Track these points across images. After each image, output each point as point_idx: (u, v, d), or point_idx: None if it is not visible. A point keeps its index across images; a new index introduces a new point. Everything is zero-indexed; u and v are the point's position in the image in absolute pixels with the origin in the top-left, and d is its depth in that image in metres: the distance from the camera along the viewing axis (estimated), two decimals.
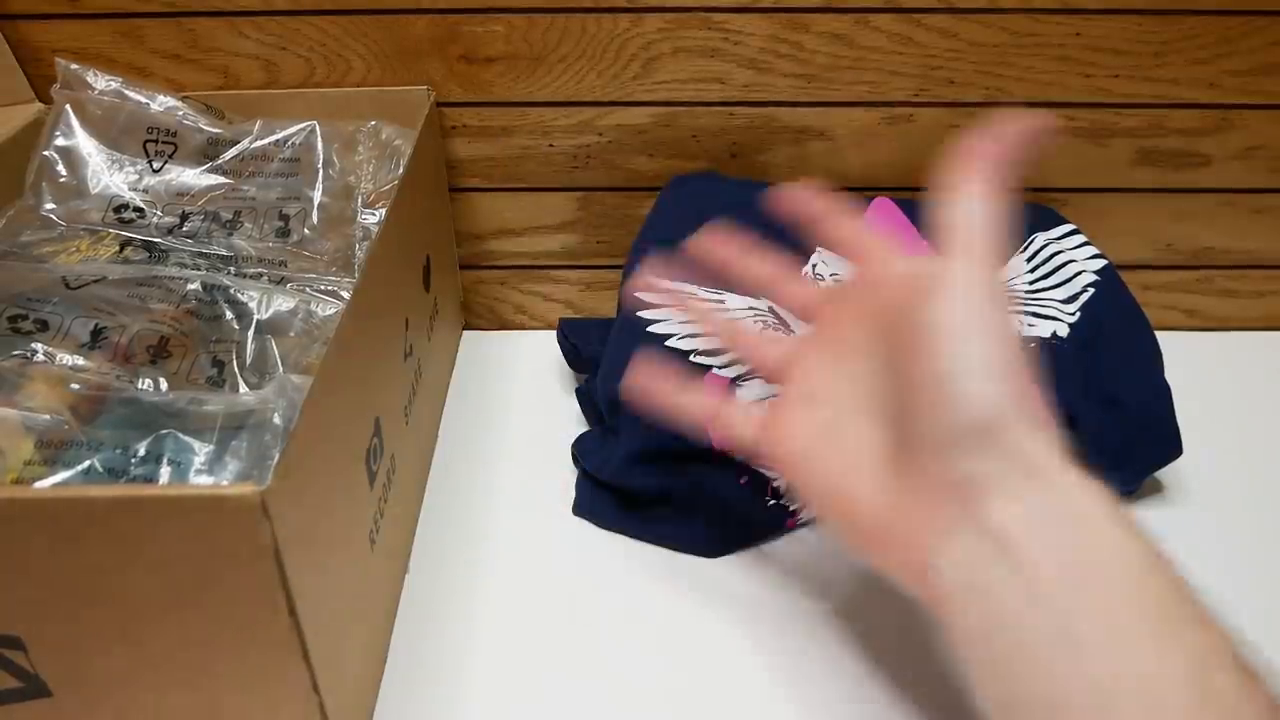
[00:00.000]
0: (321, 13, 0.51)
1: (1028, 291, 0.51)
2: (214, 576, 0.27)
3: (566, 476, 0.50)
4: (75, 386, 0.36)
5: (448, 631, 0.42)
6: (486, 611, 0.43)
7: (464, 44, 0.52)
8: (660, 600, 0.44)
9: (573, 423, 0.53)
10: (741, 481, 0.48)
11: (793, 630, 0.42)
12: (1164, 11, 0.50)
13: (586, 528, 0.47)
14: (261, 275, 0.45)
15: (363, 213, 0.49)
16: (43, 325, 0.38)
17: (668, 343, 0.49)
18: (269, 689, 0.29)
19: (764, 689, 0.40)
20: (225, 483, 0.36)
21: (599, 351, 0.52)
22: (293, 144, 0.49)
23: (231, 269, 0.45)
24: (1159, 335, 0.48)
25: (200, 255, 0.45)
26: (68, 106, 0.47)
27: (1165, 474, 0.49)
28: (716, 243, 0.40)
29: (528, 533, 0.47)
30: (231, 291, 0.42)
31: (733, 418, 0.38)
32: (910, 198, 0.54)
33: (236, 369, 0.40)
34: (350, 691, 0.36)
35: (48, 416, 0.35)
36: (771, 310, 0.51)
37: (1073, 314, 0.49)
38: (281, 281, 0.45)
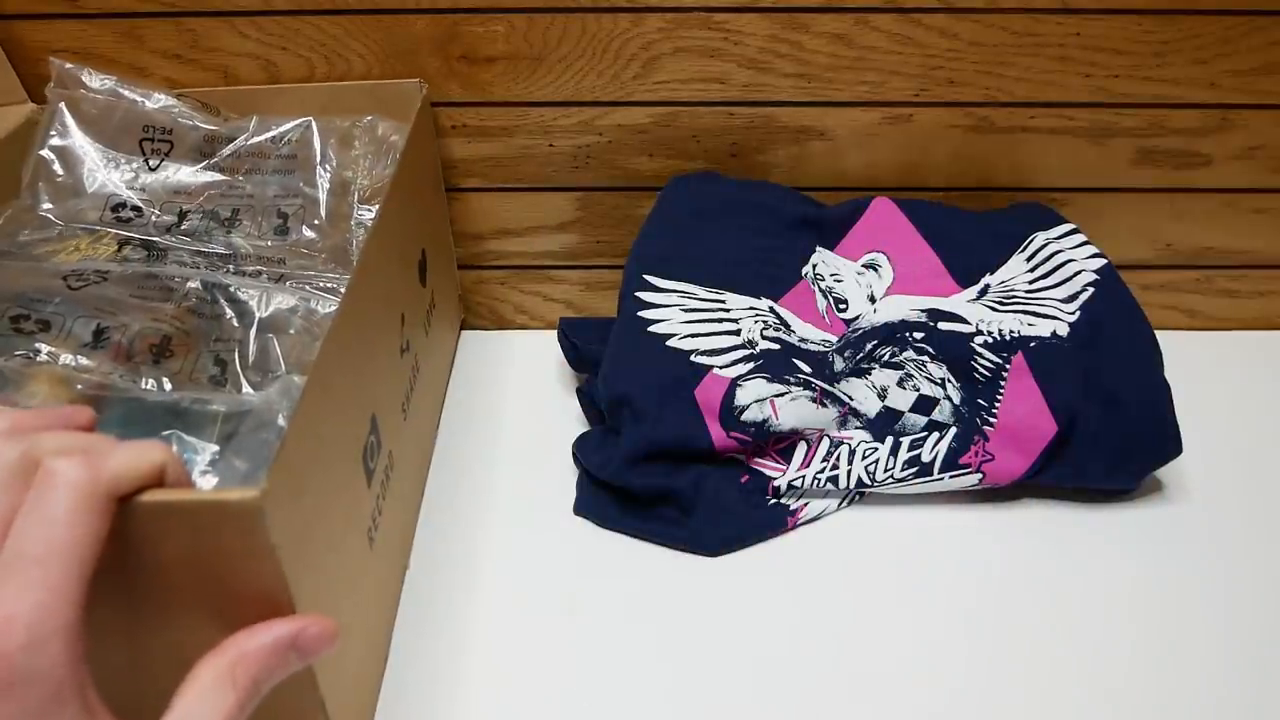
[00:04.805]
0: (321, 13, 0.50)
1: (1027, 291, 0.51)
2: (214, 578, 0.27)
3: (566, 476, 0.50)
4: (78, 386, 0.36)
5: (448, 631, 0.42)
6: (486, 611, 0.43)
7: (464, 44, 0.51)
8: (660, 600, 0.44)
9: (573, 423, 0.53)
10: (742, 481, 0.48)
11: (793, 630, 0.42)
12: (1164, 11, 0.50)
13: (586, 528, 0.47)
14: (260, 273, 0.45)
15: (360, 208, 0.49)
16: (45, 325, 0.38)
17: (668, 343, 0.49)
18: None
19: (764, 688, 0.40)
20: (228, 484, 0.36)
21: (599, 351, 0.52)
22: (289, 140, 0.49)
23: (230, 267, 0.45)
24: (1159, 335, 0.48)
25: (199, 254, 0.45)
26: (63, 105, 0.47)
27: (1165, 474, 0.49)
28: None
29: (528, 532, 0.47)
30: (232, 290, 0.42)
31: None
32: (910, 198, 0.54)
33: (239, 368, 0.40)
34: (350, 691, 0.36)
35: None
36: (772, 310, 0.52)
37: (1073, 314, 0.49)
38: (280, 279, 0.45)
